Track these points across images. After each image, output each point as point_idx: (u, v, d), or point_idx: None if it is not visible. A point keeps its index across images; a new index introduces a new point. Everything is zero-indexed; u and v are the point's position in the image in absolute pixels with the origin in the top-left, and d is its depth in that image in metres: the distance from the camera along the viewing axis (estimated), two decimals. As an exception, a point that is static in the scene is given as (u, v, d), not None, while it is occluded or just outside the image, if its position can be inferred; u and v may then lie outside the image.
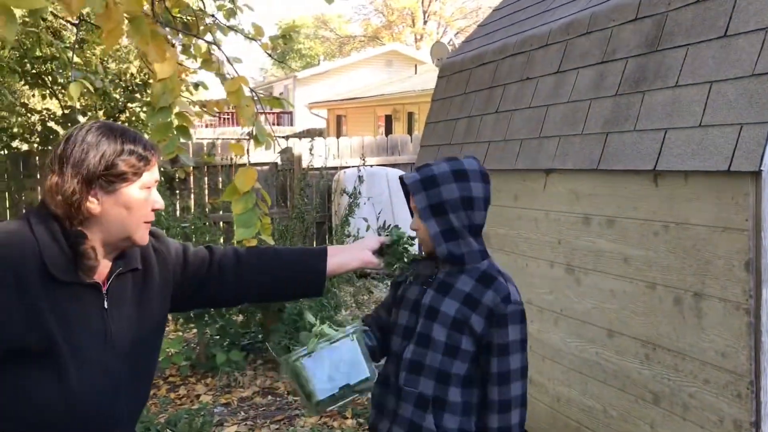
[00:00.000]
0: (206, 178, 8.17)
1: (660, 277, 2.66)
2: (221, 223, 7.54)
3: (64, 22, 7.80)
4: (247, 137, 3.24)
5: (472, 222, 1.80)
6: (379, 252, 1.98)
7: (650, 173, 2.67)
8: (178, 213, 7.23)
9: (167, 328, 5.97)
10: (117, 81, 7.61)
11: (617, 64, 2.99)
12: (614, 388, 2.96)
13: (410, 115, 18.48)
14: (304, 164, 8.08)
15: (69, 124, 6.95)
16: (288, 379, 1.82)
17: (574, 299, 3.20)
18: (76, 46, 6.81)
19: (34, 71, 7.22)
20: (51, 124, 7.40)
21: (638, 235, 2.77)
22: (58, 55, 7.18)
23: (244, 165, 4.82)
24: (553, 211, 3.33)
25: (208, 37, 3.81)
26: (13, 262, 1.45)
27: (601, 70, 3.10)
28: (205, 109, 4.24)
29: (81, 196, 1.51)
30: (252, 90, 3.40)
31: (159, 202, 1.64)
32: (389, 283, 6.41)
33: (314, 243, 7.44)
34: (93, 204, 1.53)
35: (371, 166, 8.37)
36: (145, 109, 7.31)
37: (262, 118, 3.36)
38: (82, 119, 6.90)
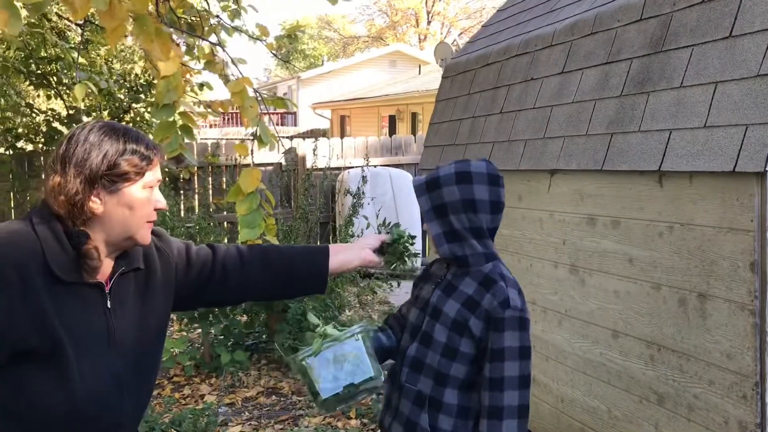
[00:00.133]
0: (210, 179, 8.18)
1: (665, 278, 2.66)
2: (225, 223, 7.55)
3: (68, 23, 7.82)
4: (251, 138, 3.25)
5: (474, 224, 1.79)
6: (380, 250, 2.00)
7: (655, 174, 2.67)
8: (182, 213, 7.24)
9: (172, 328, 6.00)
10: (122, 81, 7.62)
11: (622, 65, 2.99)
12: (619, 388, 2.95)
13: (414, 115, 18.48)
14: (308, 165, 8.08)
15: (74, 125, 6.96)
16: (298, 378, 1.85)
17: (579, 300, 3.20)
18: (81, 46, 6.83)
19: (39, 72, 7.24)
20: (56, 124, 7.40)
21: (643, 236, 2.77)
22: (62, 56, 7.19)
23: (248, 165, 4.84)
24: (558, 211, 3.33)
25: (213, 37, 3.82)
26: (17, 263, 1.44)
27: (605, 71, 3.10)
28: (209, 110, 4.25)
29: (83, 196, 1.51)
30: (256, 90, 3.41)
31: (161, 202, 1.63)
32: (392, 284, 6.43)
33: (318, 243, 7.45)
34: (95, 204, 1.52)
35: (375, 166, 8.37)
36: (149, 109, 7.32)
37: (265, 118, 3.36)
38: (86, 120, 6.91)
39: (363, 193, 6.28)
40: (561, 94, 3.39)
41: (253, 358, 5.39)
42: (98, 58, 8.73)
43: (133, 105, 7.54)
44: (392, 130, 19.36)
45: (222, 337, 5.33)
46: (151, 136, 1.72)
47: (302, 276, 1.94)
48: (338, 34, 45.60)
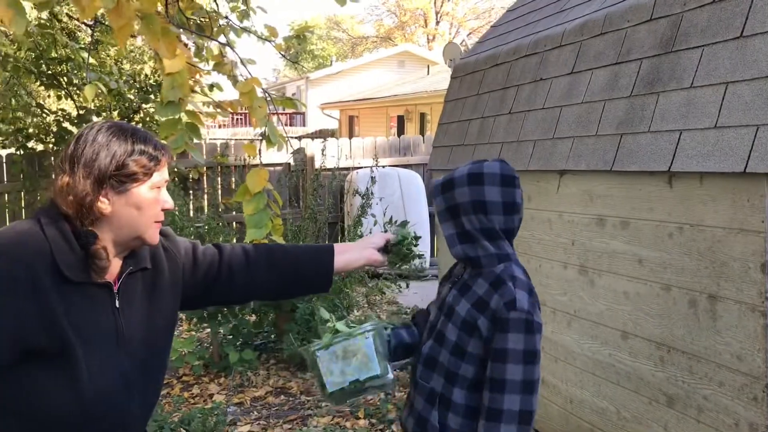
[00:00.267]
0: (219, 179, 8.21)
1: (674, 279, 2.65)
2: (234, 223, 7.57)
3: (79, 24, 7.86)
4: (260, 138, 3.26)
5: (485, 226, 1.78)
6: (385, 249, 2.01)
7: (665, 174, 2.66)
8: (191, 213, 7.26)
9: (181, 328, 6.02)
10: (131, 82, 7.65)
11: (632, 65, 2.98)
12: (628, 390, 2.95)
13: (422, 115, 18.48)
14: (317, 165, 8.09)
15: (84, 125, 6.99)
16: (306, 376, 1.89)
17: (588, 301, 3.19)
18: (91, 47, 6.86)
19: (49, 72, 7.27)
20: (66, 124, 7.44)
21: (652, 237, 2.76)
22: (73, 57, 7.22)
23: (257, 165, 4.86)
24: (567, 212, 3.32)
25: (222, 38, 3.84)
26: (26, 264, 1.44)
27: (615, 71, 3.09)
28: (219, 110, 4.27)
29: (92, 197, 1.51)
30: (265, 91, 3.42)
31: (169, 202, 1.63)
32: (401, 284, 6.41)
33: (327, 243, 7.47)
34: (104, 204, 1.52)
35: (383, 166, 8.38)
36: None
37: (274, 118, 3.37)
38: (96, 120, 6.94)
39: (372, 193, 6.28)
40: (570, 95, 3.38)
41: (262, 357, 5.40)
42: (108, 58, 8.77)
43: (143, 105, 7.57)
44: (401, 131, 19.37)
45: (231, 336, 5.34)
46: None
47: (308, 275, 1.95)
48: (347, 34, 45.64)
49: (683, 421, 2.63)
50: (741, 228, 2.34)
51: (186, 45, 3.39)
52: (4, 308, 1.41)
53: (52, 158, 7.33)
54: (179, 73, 2.78)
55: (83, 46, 7.48)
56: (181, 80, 2.80)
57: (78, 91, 7.40)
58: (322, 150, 7.79)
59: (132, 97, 7.55)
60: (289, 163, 8.34)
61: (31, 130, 7.50)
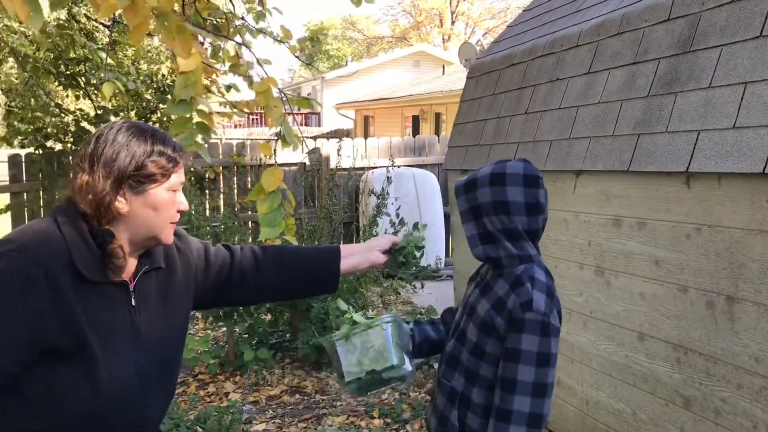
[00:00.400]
0: (235, 178, 8.24)
1: (692, 280, 2.63)
2: (249, 222, 7.60)
3: (96, 24, 7.93)
4: (275, 138, 3.27)
5: (507, 226, 1.76)
6: (389, 252, 2.04)
7: (683, 175, 2.64)
8: (207, 212, 7.29)
9: (196, 326, 6.06)
10: (148, 82, 7.70)
11: (649, 65, 2.96)
12: (644, 391, 2.93)
13: (438, 115, 18.45)
14: (332, 165, 8.10)
15: (101, 124, 7.05)
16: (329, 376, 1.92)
17: (604, 301, 3.17)
18: (109, 48, 6.91)
19: (68, 72, 7.33)
20: (84, 124, 7.49)
21: (670, 238, 2.74)
22: (91, 57, 7.28)
23: (272, 165, 4.87)
24: (583, 212, 3.31)
25: (238, 38, 3.86)
26: (44, 263, 1.45)
27: (632, 71, 3.07)
28: (235, 110, 4.29)
29: (111, 196, 1.52)
30: (280, 90, 3.44)
31: (184, 204, 1.65)
32: (416, 285, 6.38)
33: (342, 243, 7.47)
34: (121, 204, 1.54)
35: (398, 166, 8.38)
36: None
37: (289, 118, 3.38)
38: (114, 119, 6.99)
39: (387, 193, 6.28)
40: (587, 95, 3.36)
41: (277, 356, 5.42)
42: (125, 59, 8.83)
43: (160, 105, 7.61)
44: (416, 131, 19.35)
45: (246, 335, 5.37)
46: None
47: (315, 277, 1.98)
48: (362, 34, 45.67)
49: (700, 424, 2.62)
50: (760, 229, 2.32)
51: (202, 44, 3.40)
52: (23, 308, 1.42)
53: (70, 157, 7.39)
54: (192, 72, 2.80)
55: (101, 46, 7.53)
56: (194, 79, 2.82)
57: (96, 91, 7.46)
58: (338, 150, 7.80)
59: (149, 97, 7.60)
60: (305, 163, 8.37)
61: (49, 130, 7.56)
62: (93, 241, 1.52)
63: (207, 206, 7.22)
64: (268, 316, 5.60)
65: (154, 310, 1.65)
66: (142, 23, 2.48)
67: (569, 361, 3.45)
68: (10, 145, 8.38)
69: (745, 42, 2.47)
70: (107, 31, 8.35)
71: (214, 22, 3.98)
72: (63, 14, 7.68)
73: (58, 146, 7.77)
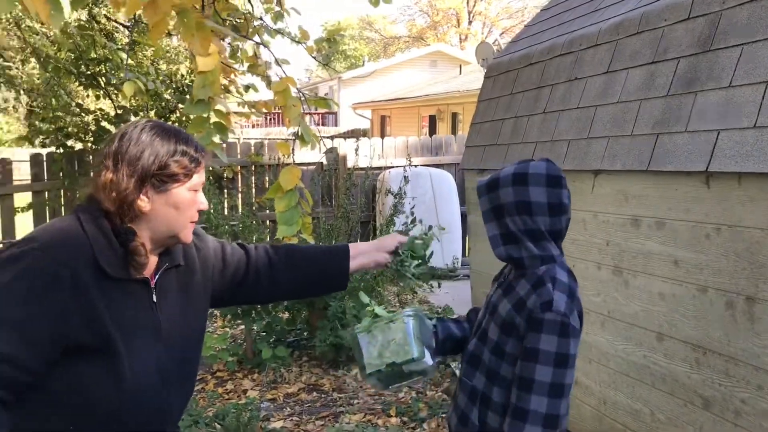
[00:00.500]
0: (254, 178, 8.29)
1: (711, 281, 2.62)
2: (268, 221, 7.64)
3: (116, 25, 8.01)
4: (293, 137, 3.29)
5: (529, 227, 1.76)
6: (395, 253, 2.06)
7: (702, 175, 2.63)
8: (226, 211, 7.35)
9: (215, 324, 6.10)
10: (168, 82, 7.76)
11: (668, 64, 2.95)
12: (662, 392, 2.92)
13: (454, 115, 18.43)
14: (350, 164, 8.13)
15: (121, 124, 7.12)
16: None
17: (622, 301, 3.16)
18: (128, 48, 6.98)
19: (88, 72, 7.42)
20: (104, 123, 7.58)
21: (689, 238, 2.73)
22: (111, 57, 7.36)
23: (290, 164, 4.90)
24: (601, 212, 3.30)
25: (257, 38, 3.89)
26: (68, 261, 1.47)
27: (651, 70, 3.06)
28: (253, 110, 4.33)
29: (134, 195, 1.54)
30: (299, 90, 3.46)
31: (204, 203, 1.67)
32: (432, 284, 6.38)
33: (357, 242, 7.50)
34: (144, 202, 1.55)
35: (415, 166, 8.38)
36: (194, 109, 7.42)
37: (307, 118, 3.40)
38: (134, 119, 7.06)
39: (404, 192, 6.29)
40: (605, 94, 3.36)
41: (294, 354, 5.45)
42: (145, 59, 8.91)
43: (179, 105, 7.68)
44: (432, 130, 19.34)
45: (264, 333, 5.40)
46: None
47: (326, 276, 2.03)
48: (379, 34, 45.68)
49: (720, 425, 2.60)
50: (780, 229, 2.31)
51: (224, 39, 3.43)
52: (48, 306, 1.44)
53: (91, 157, 7.47)
54: (211, 71, 2.83)
55: (121, 47, 7.61)
56: (212, 78, 2.84)
57: (116, 91, 7.54)
58: (356, 149, 7.83)
59: (168, 97, 7.66)
60: (322, 163, 8.40)
61: (70, 129, 7.65)
62: (115, 239, 1.54)
63: (225, 205, 7.28)
64: (286, 315, 5.63)
65: (174, 307, 1.67)
66: (162, 21, 2.50)
67: (587, 361, 3.44)
68: (32, 144, 8.48)
69: (766, 41, 2.46)
70: (126, 32, 8.44)
71: (234, 22, 4.01)
72: (83, 15, 7.77)
73: (79, 145, 7.85)
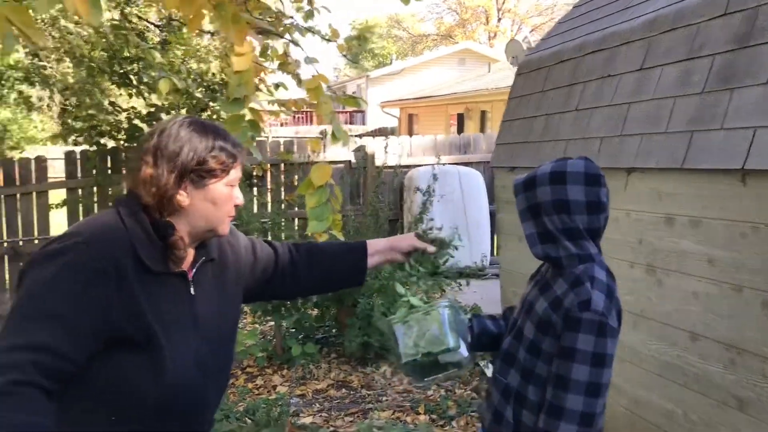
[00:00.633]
0: (282, 176, 8.34)
1: (747, 280, 2.58)
2: (296, 219, 7.69)
3: (147, 24, 8.11)
4: (321, 136, 3.31)
5: (567, 226, 1.74)
6: (408, 255, 2.09)
7: (738, 172, 2.59)
8: (255, 209, 7.41)
9: (245, 320, 6.16)
10: (198, 81, 7.84)
11: (704, 61, 2.91)
12: (696, 392, 2.88)
13: (483, 113, 18.34)
14: (378, 162, 8.14)
15: (153, 122, 7.21)
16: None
17: (655, 301, 3.13)
18: (159, 47, 7.06)
19: (121, 71, 7.52)
20: (136, 121, 7.67)
21: (724, 236, 2.70)
22: (144, 56, 7.45)
23: (319, 162, 4.93)
24: (635, 210, 3.27)
25: (288, 37, 3.91)
26: (111, 256, 1.49)
27: (686, 67, 3.03)
28: (283, 108, 4.36)
29: (174, 190, 1.56)
30: (329, 87, 3.48)
31: (240, 198, 1.69)
32: (460, 282, 6.37)
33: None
34: (182, 197, 1.57)
35: (444, 164, 8.37)
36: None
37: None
38: (165, 117, 7.14)
39: (433, 190, 6.28)
40: (639, 91, 3.32)
41: (323, 351, 5.48)
42: (175, 58, 9.01)
43: (210, 103, 7.75)
44: (460, 129, 19.27)
45: (294, 330, 5.44)
46: None
47: (344, 274, 2.09)
48: (407, 32, 45.63)
49: (756, 426, 2.57)
50: (819, 228, 2.27)
51: (260, 33, 3.46)
52: (91, 299, 1.46)
53: (123, 154, 7.57)
54: (246, 71, 2.86)
55: (153, 46, 7.71)
56: (247, 78, 2.88)
57: (148, 90, 7.63)
58: (385, 147, 7.84)
59: (199, 95, 7.74)
60: (350, 161, 8.42)
61: (104, 128, 7.76)
62: (154, 233, 1.57)
63: (255, 203, 7.34)
64: (315, 311, 5.67)
65: (210, 301, 1.69)
66: (199, 14, 2.54)
67: (619, 361, 3.40)
68: (66, 142, 8.62)
69: (805, 36, 2.42)
70: (157, 31, 8.55)
71: (265, 21, 4.04)
72: (116, 14, 7.89)
73: (111, 143, 7.97)
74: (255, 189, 7.88)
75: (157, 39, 8.37)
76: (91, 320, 1.46)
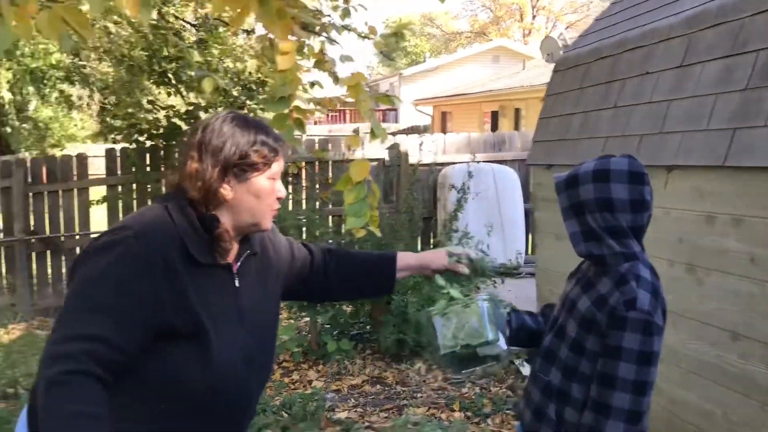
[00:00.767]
0: (317, 174, 8.39)
1: (791, 279, 2.55)
2: (330, 216, 7.74)
3: (184, 24, 8.22)
4: (355, 133, 3.33)
5: (610, 224, 1.73)
6: (440, 272, 2.09)
7: (782, 170, 2.56)
8: (290, 206, 7.48)
9: (281, 316, 6.21)
10: (235, 80, 7.93)
11: (748, 57, 2.87)
12: (737, 392, 2.85)
13: (517, 111, 18.23)
14: (413, 160, 8.15)
15: (192, 120, 7.32)
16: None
17: (695, 300, 3.10)
18: (196, 46, 7.16)
19: (160, 70, 7.64)
20: (174, 119, 7.79)
21: (767, 235, 2.66)
22: (182, 55, 7.57)
23: (355, 159, 4.95)
24: (675, 209, 3.24)
25: (325, 35, 3.95)
26: (161, 248, 1.53)
27: (728, 64, 2.99)
28: (319, 106, 4.40)
29: (218, 183, 1.61)
30: (366, 85, 3.51)
31: (282, 192, 1.72)
32: (495, 280, 6.32)
33: (421, 237, 7.53)
34: (226, 190, 1.62)
35: (478, 162, 8.34)
36: (261, 106, 7.58)
37: (369, 114, 3.44)
38: (204, 116, 7.24)
39: (468, 188, 6.27)
40: (679, 88, 3.29)
41: (358, 347, 5.52)
42: (212, 57, 9.12)
43: (247, 102, 7.84)
44: (494, 127, 19.18)
45: (329, 326, 5.49)
46: None
47: (371, 286, 2.13)
48: (441, 30, 45.50)
49: (798, 427, 2.53)
50: None
51: (304, 26, 3.50)
52: (141, 292, 1.50)
53: (162, 152, 7.69)
54: (290, 70, 2.90)
55: (190, 45, 7.81)
56: (291, 77, 2.92)
57: (186, 89, 7.74)
58: (420, 144, 7.84)
59: (236, 93, 7.83)
60: (384, 159, 8.44)
61: (143, 126, 7.89)
62: (200, 226, 1.61)
63: (290, 200, 7.41)
64: (350, 308, 5.70)
65: (254, 294, 1.73)
66: (244, 10, 2.58)
67: (657, 360, 3.39)
68: (105, 140, 8.79)
69: None
70: (194, 30, 8.66)
71: (303, 20, 4.09)
72: (154, 14, 8.01)
73: (150, 141, 8.10)
74: (290, 187, 7.94)
75: (194, 38, 8.48)
76: (142, 312, 1.50)
